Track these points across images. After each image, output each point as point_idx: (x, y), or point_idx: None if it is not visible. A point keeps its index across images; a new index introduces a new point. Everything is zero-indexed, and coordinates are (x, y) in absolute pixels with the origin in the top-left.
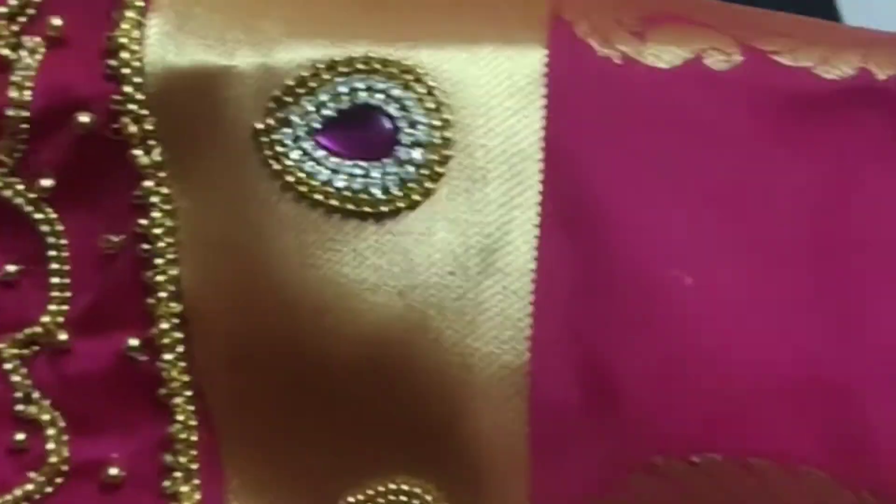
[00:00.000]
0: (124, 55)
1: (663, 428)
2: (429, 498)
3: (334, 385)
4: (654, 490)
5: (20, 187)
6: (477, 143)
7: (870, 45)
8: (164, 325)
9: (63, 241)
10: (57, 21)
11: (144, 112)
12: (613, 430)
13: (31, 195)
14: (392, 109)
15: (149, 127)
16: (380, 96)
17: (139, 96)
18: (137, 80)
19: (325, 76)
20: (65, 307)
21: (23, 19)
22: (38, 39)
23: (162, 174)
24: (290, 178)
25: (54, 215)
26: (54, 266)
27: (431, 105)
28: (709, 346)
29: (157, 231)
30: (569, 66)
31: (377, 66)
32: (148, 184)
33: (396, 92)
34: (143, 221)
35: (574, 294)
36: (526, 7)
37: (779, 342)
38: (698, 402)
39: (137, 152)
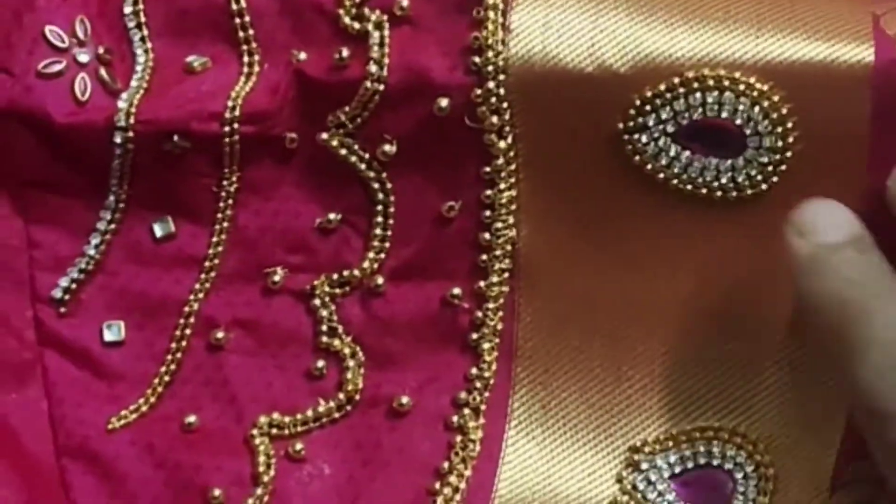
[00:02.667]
0: (489, 54)
1: None
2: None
3: (674, 337)
4: None
5: (356, 148)
6: (814, 143)
7: None
8: (495, 279)
9: (391, 199)
10: (405, 1)
11: (504, 105)
12: None
13: (367, 156)
14: (740, 120)
15: (506, 117)
16: (729, 108)
17: (501, 91)
18: (501, 77)
19: (680, 90)
20: (382, 256)
21: None
22: (379, 13)
23: (511, 154)
24: (648, 168)
25: (385, 176)
26: (378, 220)
27: (775, 116)
28: None
29: (502, 201)
30: (891, 76)
31: (726, 83)
32: (499, 162)
33: (743, 107)
34: (489, 192)
35: None
36: (854, 20)
37: None
38: None
39: (493, 137)
